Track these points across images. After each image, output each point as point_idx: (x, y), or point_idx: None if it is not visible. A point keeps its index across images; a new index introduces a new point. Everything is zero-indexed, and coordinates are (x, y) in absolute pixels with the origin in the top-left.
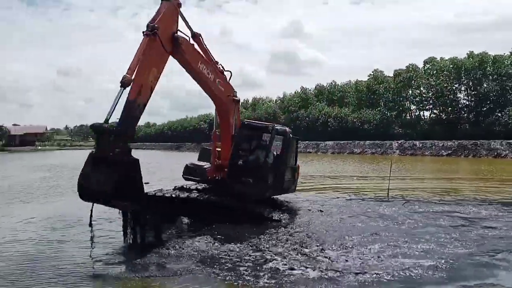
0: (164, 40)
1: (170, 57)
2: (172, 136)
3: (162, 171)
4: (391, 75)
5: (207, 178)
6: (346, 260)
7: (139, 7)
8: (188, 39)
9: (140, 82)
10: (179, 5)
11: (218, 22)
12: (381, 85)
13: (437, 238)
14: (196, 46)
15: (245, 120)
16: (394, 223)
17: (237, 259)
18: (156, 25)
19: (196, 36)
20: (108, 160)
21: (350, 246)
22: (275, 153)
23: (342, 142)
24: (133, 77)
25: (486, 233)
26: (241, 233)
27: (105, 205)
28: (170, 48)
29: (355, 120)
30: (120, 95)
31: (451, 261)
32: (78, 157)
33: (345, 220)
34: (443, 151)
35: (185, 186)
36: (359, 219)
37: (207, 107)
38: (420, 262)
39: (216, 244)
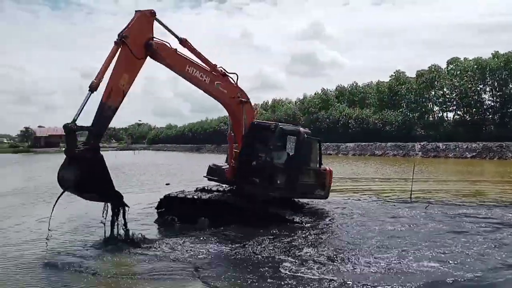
0: (136, 47)
1: None
2: (193, 137)
3: (183, 173)
4: (413, 75)
5: (226, 178)
6: (369, 263)
7: (161, 10)
8: (167, 45)
9: (110, 86)
10: (153, 13)
11: (238, 24)
12: (403, 86)
13: (461, 242)
14: (186, 51)
15: (255, 120)
16: (416, 226)
17: (256, 261)
18: (124, 34)
19: (183, 41)
20: (74, 157)
21: (371, 250)
22: (290, 153)
23: (363, 143)
24: (101, 81)
25: None
26: (259, 234)
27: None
28: (142, 54)
29: (376, 122)
30: (88, 98)
31: (478, 267)
32: None
33: (366, 223)
34: (467, 153)
35: (206, 187)
36: (380, 222)
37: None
38: (445, 268)
39: (233, 245)
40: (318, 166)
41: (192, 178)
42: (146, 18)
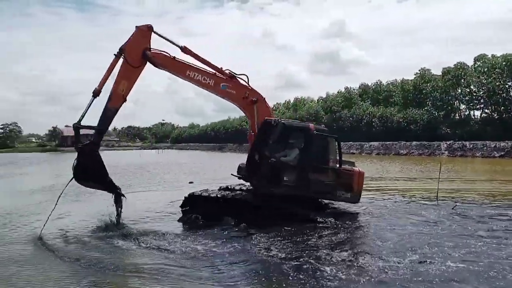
0: (132, 58)
1: None
2: (215, 137)
3: (206, 172)
4: (439, 73)
5: None
6: (392, 265)
7: (185, 10)
8: (164, 53)
9: (111, 91)
10: (150, 28)
11: (261, 24)
12: (428, 84)
13: (489, 244)
14: (189, 57)
15: (267, 117)
16: (442, 227)
17: (273, 262)
18: (122, 47)
19: (184, 49)
20: (78, 151)
21: (395, 251)
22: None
23: (388, 143)
24: (102, 88)
25: None
26: (278, 233)
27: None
28: (138, 63)
29: (401, 120)
30: (91, 102)
31: (508, 271)
32: (125, 157)
33: (389, 223)
34: (495, 152)
35: (229, 186)
36: (405, 222)
37: None
38: (473, 272)
39: (251, 245)
40: (339, 165)
41: (214, 176)
42: (143, 33)
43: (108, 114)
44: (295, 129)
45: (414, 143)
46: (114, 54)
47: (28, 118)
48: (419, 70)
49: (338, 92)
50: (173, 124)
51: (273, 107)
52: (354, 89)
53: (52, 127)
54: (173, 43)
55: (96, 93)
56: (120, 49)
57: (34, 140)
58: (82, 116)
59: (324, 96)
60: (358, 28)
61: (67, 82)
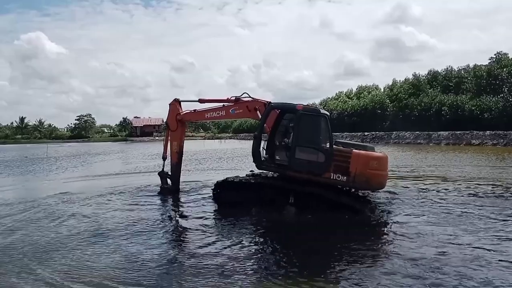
0: (172, 125)
1: None
2: None
3: None
4: None
5: None
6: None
7: (243, 2)
8: (187, 112)
9: (170, 152)
10: (177, 100)
11: (320, 11)
12: (504, 69)
13: None
14: (205, 105)
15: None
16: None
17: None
18: (166, 122)
19: (200, 100)
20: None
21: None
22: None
23: (458, 132)
24: (166, 153)
25: None
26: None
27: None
28: (175, 127)
29: (473, 108)
30: (164, 162)
31: None
32: (189, 148)
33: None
34: None
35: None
36: (467, 220)
37: (307, 98)
38: None
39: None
40: (330, 145)
41: None
42: (174, 106)
43: (174, 168)
44: (284, 109)
45: (487, 132)
46: (164, 128)
47: (101, 110)
48: (495, 55)
49: (405, 79)
50: None
51: (334, 96)
52: (422, 76)
53: (123, 118)
54: (193, 100)
55: (164, 158)
56: (166, 123)
57: (106, 131)
58: (163, 165)
59: (390, 83)
60: (423, 12)
61: (136, 75)
